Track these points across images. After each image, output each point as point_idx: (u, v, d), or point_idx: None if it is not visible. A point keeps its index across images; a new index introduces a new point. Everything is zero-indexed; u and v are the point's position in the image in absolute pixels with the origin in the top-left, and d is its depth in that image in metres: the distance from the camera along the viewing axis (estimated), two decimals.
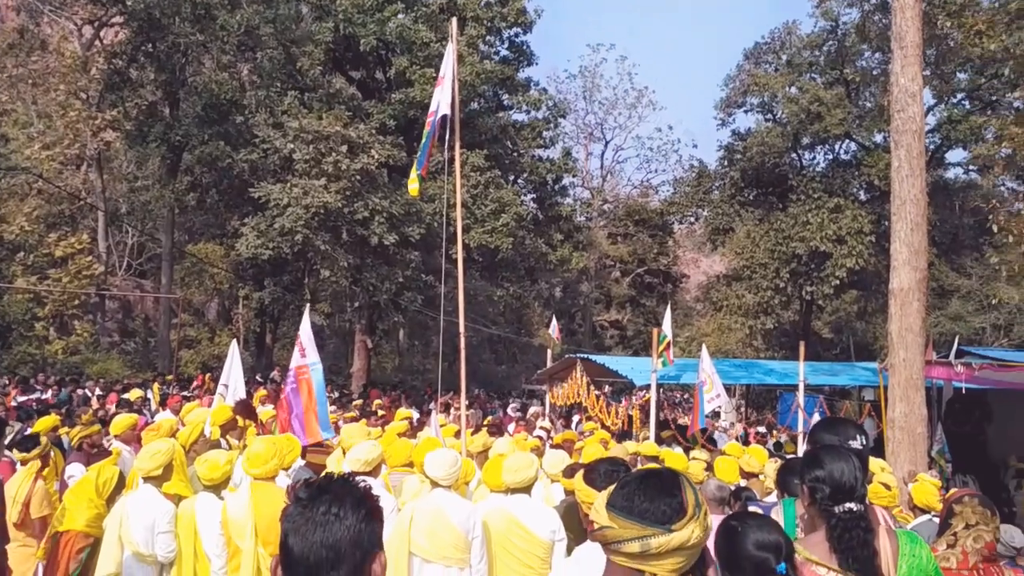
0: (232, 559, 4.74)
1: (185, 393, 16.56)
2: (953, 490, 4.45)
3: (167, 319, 27.48)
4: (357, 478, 1.77)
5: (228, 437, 7.42)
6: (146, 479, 4.96)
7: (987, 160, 21.48)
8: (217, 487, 5.02)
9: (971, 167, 28.77)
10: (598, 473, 3.08)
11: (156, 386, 17.91)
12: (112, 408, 12.59)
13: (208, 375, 19.95)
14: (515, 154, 26.73)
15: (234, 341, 10.45)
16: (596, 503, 1.83)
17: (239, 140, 23.55)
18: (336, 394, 18.90)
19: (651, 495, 1.74)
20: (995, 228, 12.41)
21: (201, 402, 12.03)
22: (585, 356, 16.53)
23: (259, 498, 4.69)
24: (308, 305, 8.39)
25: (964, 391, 11.19)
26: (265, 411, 9.65)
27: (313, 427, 6.68)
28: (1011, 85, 20.04)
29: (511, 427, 13.50)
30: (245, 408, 8.16)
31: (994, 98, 26.01)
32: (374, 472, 5.16)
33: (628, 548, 1.69)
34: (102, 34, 28.27)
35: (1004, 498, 12.06)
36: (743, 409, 23.93)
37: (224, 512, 4.76)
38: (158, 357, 27.35)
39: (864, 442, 2.99)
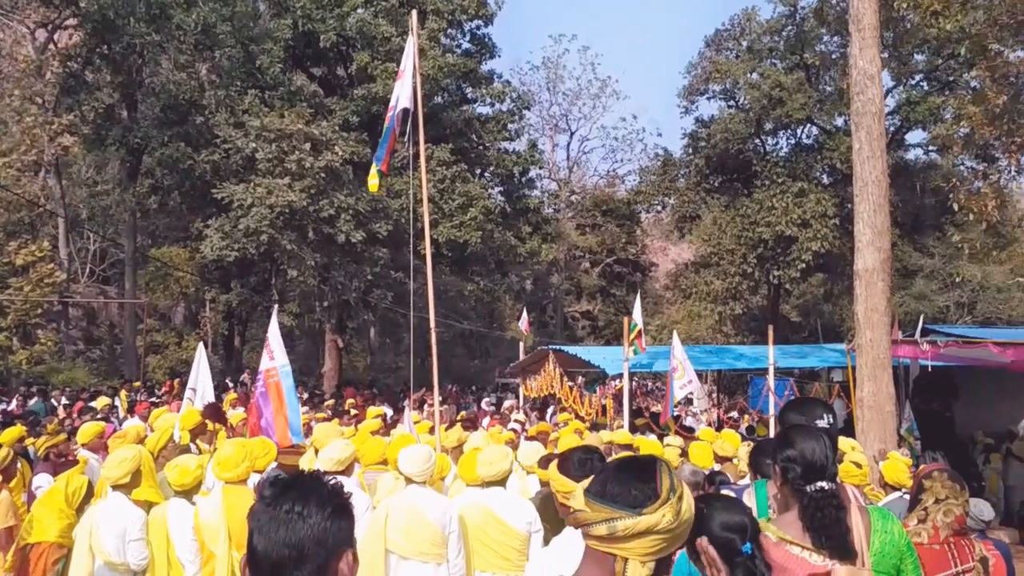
0: (206, 564, 4.69)
1: (153, 399, 16.35)
2: (922, 466, 4.50)
3: (132, 325, 27.10)
4: (327, 476, 1.73)
5: (198, 442, 7.33)
6: (115, 487, 4.88)
7: (946, 140, 21.75)
8: (188, 492, 4.95)
9: (931, 147, 29.15)
10: (572, 462, 3.07)
11: (124, 393, 17.66)
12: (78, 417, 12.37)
13: (177, 380, 19.71)
14: (481, 147, 26.67)
15: (201, 344, 10.29)
16: (577, 490, 1.85)
17: (200, 141, 23.24)
18: (307, 395, 18.77)
19: (624, 480, 1.76)
20: (956, 207, 12.60)
21: (170, 407, 11.87)
22: (557, 347, 16.55)
23: (231, 502, 4.64)
24: (276, 307, 8.29)
25: (930, 369, 11.37)
26: (235, 414, 9.54)
27: (284, 431, 6.60)
28: (967, 65, 20.34)
29: (485, 421, 13.51)
30: (214, 412, 8.06)
31: (951, 78, 26.38)
32: (347, 471, 5.13)
33: (596, 531, 1.72)
34: (56, 37, 27.72)
35: (973, 473, 12.28)
36: (715, 395, 24.11)
37: (196, 517, 4.71)
38: (125, 364, 26.96)
39: (831, 421, 3.01)
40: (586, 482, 1.86)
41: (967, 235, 15.63)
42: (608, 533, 1.70)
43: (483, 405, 19.55)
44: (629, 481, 1.75)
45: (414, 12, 8.01)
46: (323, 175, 20.19)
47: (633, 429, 11.49)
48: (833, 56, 25.93)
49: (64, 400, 17.13)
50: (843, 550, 2.53)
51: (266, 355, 7.05)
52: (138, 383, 20.89)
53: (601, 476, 1.83)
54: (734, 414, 19.27)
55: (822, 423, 2.95)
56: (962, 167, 25.93)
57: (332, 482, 1.70)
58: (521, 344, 19.77)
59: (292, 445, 6.59)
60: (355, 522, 1.71)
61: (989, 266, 29.78)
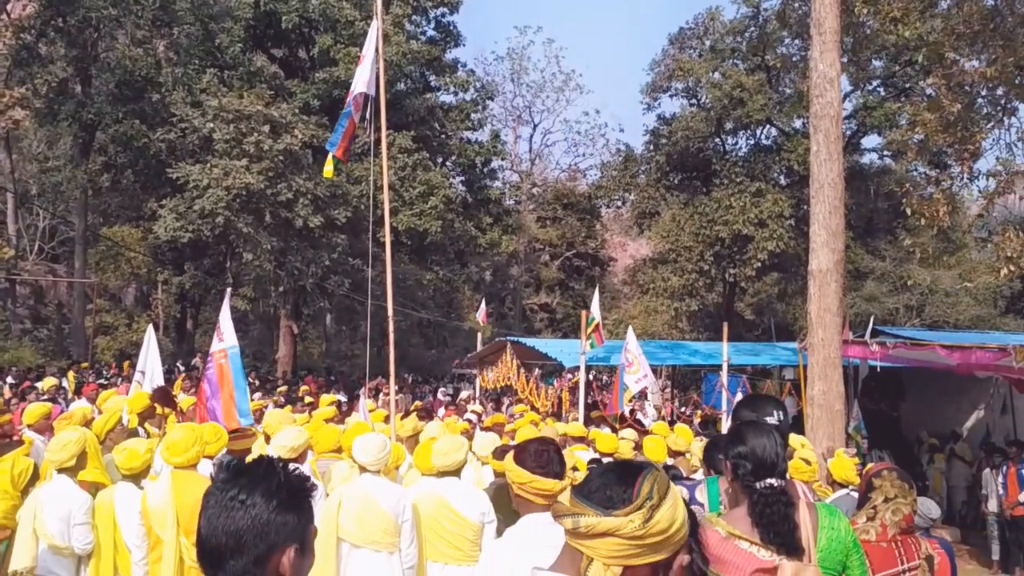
0: (153, 550, 4.61)
1: (101, 381, 16.05)
2: (871, 464, 4.57)
3: (82, 305, 26.52)
4: (287, 464, 1.67)
5: (147, 425, 7.20)
6: (60, 470, 4.78)
7: (901, 146, 22.14)
8: (136, 476, 4.86)
9: (885, 152, 29.69)
10: (528, 453, 3.06)
11: (72, 374, 17.30)
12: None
13: (126, 362, 19.36)
14: (443, 136, 26.53)
15: (150, 326, 10.11)
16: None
17: (155, 119, 22.81)
18: (258, 381, 18.56)
19: (606, 481, 1.75)
20: (908, 212, 12.81)
21: (119, 390, 11.65)
22: (515, 339, 16.57)
23: (180, 487, 4.56)
24: (229, 288, 8.15)
25: (879, 369, 11.60)
26: (186, 398, 9.39)
27: (231, 413, 6.49)
28: (924, 72, 20.69)
29: (441, 411, 13.49)
30: (164, 395, 7.91)
31: (908, 85, 26.87)
32: (300, 459, 5.09)
33: (564, 524, 1.72)
34: (9, 7, 26.92)
35: (918, 472, 12.59)
36: (669, 390, 24.35)
37: (144, 502, 4.62)
38: (73, 344, 26.40)
39: (781, 417, 3.04)
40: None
41: (918, 239, 15.93)
42: (572, 528, 1.70)
43: (439, 395, 19.52)
44: (610, 483, 1.74)
45: None
46: (282, 158, 19.93)
47: (588, 422, 11.56)
48: (794, 59, 26.22)
49: (10, 380, 16.73)
50: (790, 546, 2.56)
51: (216, 337, 6.95)
52: (85, 364, 20.47)
53: (590, 474, 1.83)
54: (686, 409, 19.47)
55: (772, 420, 2.99)
56: (915, 173, 26.38)
57: (293, 472, 1.63)
58: (479, 335, 19.74)
59: (239, 428, 6.49)
60: (311, 515, 1.63)
61: (938, 270, 30.49)
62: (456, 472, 4.80)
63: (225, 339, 6.81)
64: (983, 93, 12.80)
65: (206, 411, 6.59)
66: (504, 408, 15.06)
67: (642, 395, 14.39)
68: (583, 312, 12.89)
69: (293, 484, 1.60)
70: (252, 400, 10.66)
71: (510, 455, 3.11)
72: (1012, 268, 11.35)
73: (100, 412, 7.41)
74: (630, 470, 1.78)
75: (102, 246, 29.73)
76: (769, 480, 2.60)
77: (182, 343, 29.81)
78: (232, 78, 23.02)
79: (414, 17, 25.33)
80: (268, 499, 1.55)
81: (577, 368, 13.13)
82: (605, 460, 6.60)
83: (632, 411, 12.46)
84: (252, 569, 1.54)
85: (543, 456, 3.00)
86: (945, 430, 13.13)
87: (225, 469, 1.61)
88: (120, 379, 16.76)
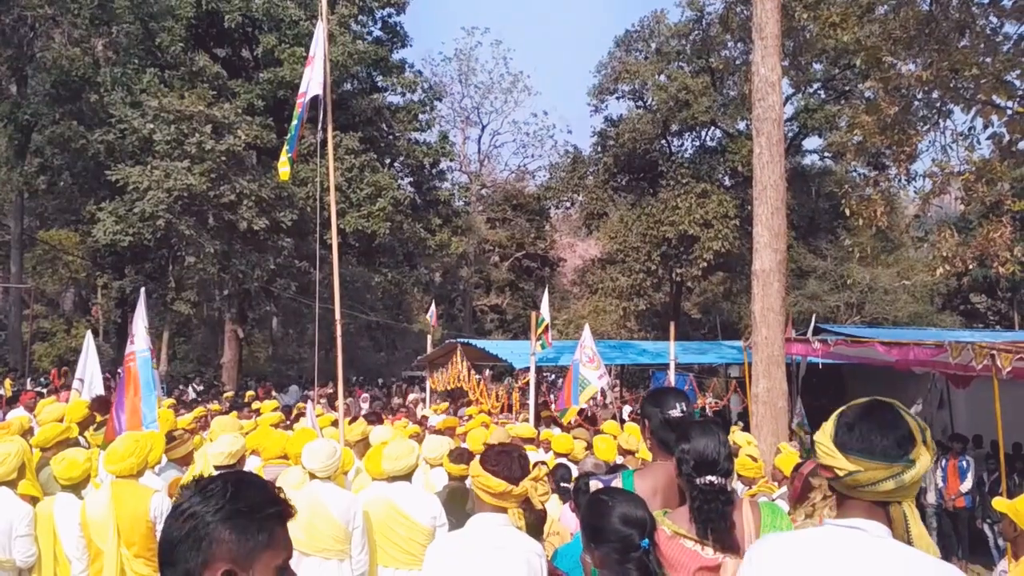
0: (94, 562, 4.50)
1: (39, 389, 15.62)
2: (807, 462, 4.66)
3: (18, 311, 25.79)
4: (258, 482, 1.60)
5: (87, 434, 7.02)
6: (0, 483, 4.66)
7: (840, 147, 22.66)
8: (76, 486, 4.75)
9: (826, 154, 30.38)
10: (491, 452, 3.20)
11: (8, 382, 16.81)
12: None
13: (64, 369, 18.86)
14: (391, 137, 26.31)
15: (89, 332, 9.86)
16: (826, 449, 1.91)
17: (94, 120, 22.25)
18: (202, 387, 18.23)
19: (884, 431, 1.84)
20: (848, 212, 13.13)
21: (58, 398, 11.34)
22: (465, 341, 16.55)
23: (120, 497, 4.45)
24: (143, 289, 7.90)
25: (821, 366, 11.84)
26: None
27: (136, 420, 6.25)
28: (862, 76, 21.22)
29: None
30: (103, 404, 7.72)
31: (847, 88, 27.52)
32: (238, 464, 5.06)
33: (883, 487, 1.82)
34: None
35: None
36: (618, 388, 24.53)
37: (83, 513, 4.51)
38: (9, 351, 25.64)
39: (685, 409, 3.07)
40: (828, 438, 1.91)
41: (858, 239, 16.37)
42: (896, 487, 1.80)
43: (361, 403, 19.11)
44: (889, 431, 1.83)
45: None
46: (224, 159, 19.56)
47: (538, 422, 11.60)
48: (737, 62, 26.67)
49: None
50: (726, 543, 2.59)
51: (129, 340, 6.78)
52: (13, 374, 19.87)
53: (854, 432, 1.88)
54: (632, 407, 19.61)
55: (676, 412, 3.03)
56: (854, 174, 27.04)
57: (257, 489, 1.55)
58: (429, 337, 19.62)
59: (174, 436, 6.31)
60: (262, 539, 1.52)
61: (877, 269, 31.29)
62: (407, 476, 4.79)
63: (136, 342, 6.61)
64: (919, 96, 13.17)
65: (115, 418, 6.37)
66: (454, 410, 15.01)
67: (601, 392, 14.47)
68: (533, 313, 12.92)
69: (244, 502, 1.52)
70: (204, 408, 10.47)
71: (476, 460, 3.29)
72: (948, 267, 11.71)
73: (37, 422, 7.20)
74: (889, 413, 1.88)
75: (39, 250, 28.93)
76: (709, 477, 2.63)
77: (122, 349, 29.11)
78: (173, 78, 22.53)
79: (360, 17, 25.08)
80: (213, 514, 1.49)
81: (527, 369, 13.16)
82: (560, 461, 6.63)
83: (582, 410, 12.51)
84: None
85: (502, 456, 3.12)
86: None
87: (193, 482, 1.57)
88: (61, 386, 16.32)
